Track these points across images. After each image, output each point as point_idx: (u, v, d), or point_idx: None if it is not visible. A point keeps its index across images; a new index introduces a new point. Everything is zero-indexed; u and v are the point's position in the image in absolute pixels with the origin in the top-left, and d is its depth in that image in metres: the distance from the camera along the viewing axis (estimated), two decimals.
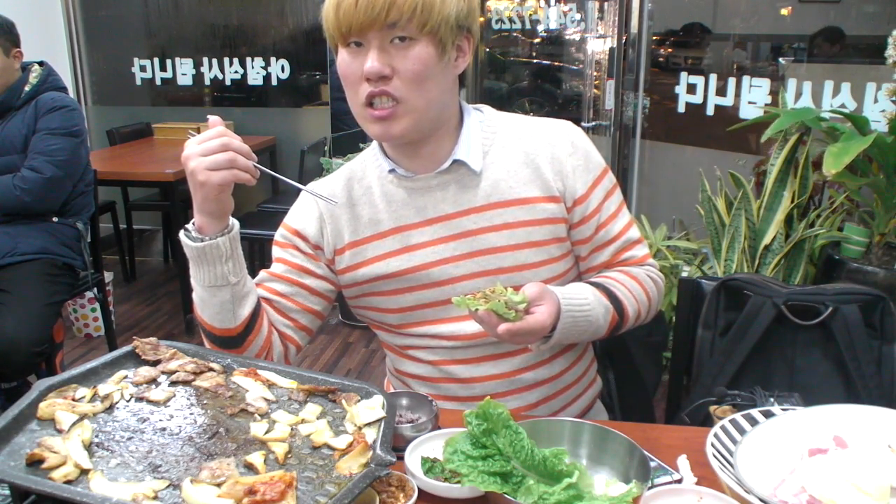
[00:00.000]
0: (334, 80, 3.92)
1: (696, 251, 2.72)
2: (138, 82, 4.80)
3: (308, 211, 1.23)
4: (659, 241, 2.69)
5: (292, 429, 0.90)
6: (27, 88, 2.54)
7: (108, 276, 3.34)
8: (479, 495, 0.88)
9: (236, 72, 4.69)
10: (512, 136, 1.20)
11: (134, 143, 4.43)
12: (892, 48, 2.09)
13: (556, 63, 4.13)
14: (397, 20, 1.02)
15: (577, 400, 1.28)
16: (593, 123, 3.54)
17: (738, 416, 0.97)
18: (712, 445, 0.91)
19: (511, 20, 3.94)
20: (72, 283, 2.61)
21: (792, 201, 2.29)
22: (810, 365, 1.40)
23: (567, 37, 3.90)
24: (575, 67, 3.93)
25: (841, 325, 1.36)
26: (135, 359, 1.03)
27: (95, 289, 2.85)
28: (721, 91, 3.01)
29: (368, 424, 0.92)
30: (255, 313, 1.14)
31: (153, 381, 0.98)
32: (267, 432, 0.89)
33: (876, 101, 2.49)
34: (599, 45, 3.54)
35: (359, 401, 0.98)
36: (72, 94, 3.72)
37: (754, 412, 0.98)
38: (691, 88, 3.12)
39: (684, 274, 2.55)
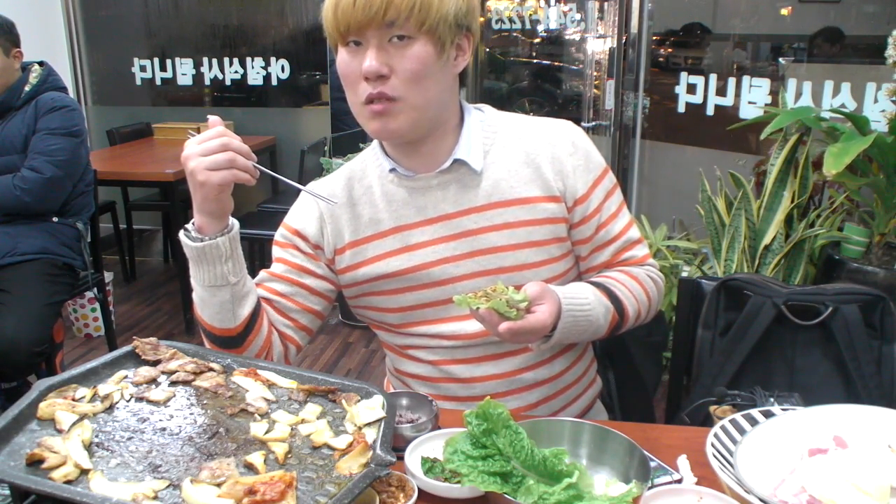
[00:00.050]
0: (334, 80, 3.93)
1: (696, 251, 2.72)
2: (138, 82, 4.80)
3: (308, 211, 1.23)
4: (659, 241, 2.69)
5: (292, 429, 0.90)
6: (27, 88, 2.54)
7: (108, 276, 3.34)
8: (479, 495, 0.88)
9: (236, 72, 4.69)
10: (513, 136, 1.19)
11: (134, 143, 4.43)
12: (892, 48, 2.09)
13: (556, 63, 4.12)
14: (395, 19, 1.02)
15: (577, 400, 1.28)
16: (593, 123, 3.54)
17: (738, 416, 0.97)
18: (712, 445, 0.90)
19: (511, 20, 3.94)
20: (72, 283, 2.61)
21: (792, 201, 2.29)
22: (810, 365, 1.40)
23: (567, 37, 3.90)
24: (575, 67, 3.92)
25: (841, 325, 1.36)
26: (135, 359, 1.03)
27: (95, 289, 2.84)
28: (721, 91, 3.01)
29: (368, 424, 0.92)
30: (255, 313, 1.14)
31: (153, 381, 0.98)
32: (267, 432, 0.89)
33: (876, 101, 2.49)
34: (599, 45, 3.54)
35: (359, 401, 0.97)
36: (72, 94, 3.72)
37: (754, 412, 0.98)
38: (691, 88, 3.12)
39: (684, 274, 2.55)
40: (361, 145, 2.76)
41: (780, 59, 3.10)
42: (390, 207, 1.19)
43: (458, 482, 0.86)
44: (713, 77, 3.05)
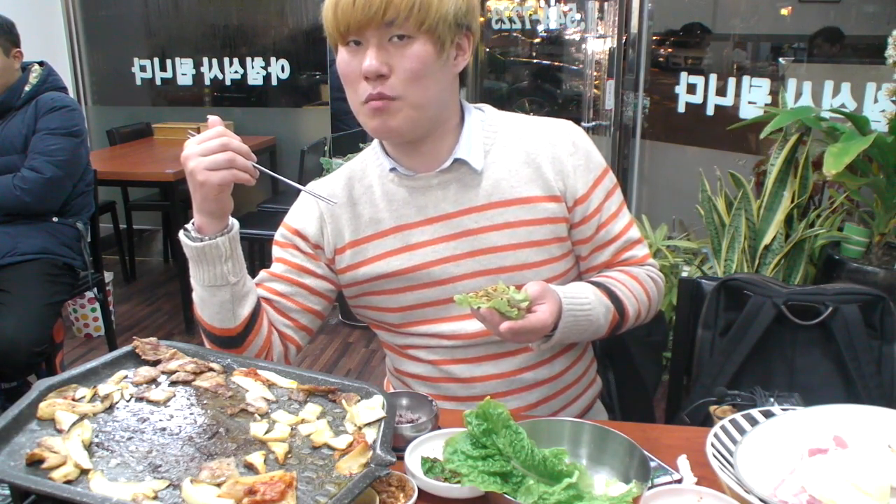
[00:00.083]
0: (334, 80, 3.93)
1: (696, 251, 2.72)
2: (138, 82, 4.80)
3: (308, 210, 1.23)
4: (659, 241, 2.69)
5: (292, 429, 0.90)
6: (27, 88, 2.54)
7: (108, 276, 3.34)
8: (479, 495, 0.88)
9: (236, 72, 4.69)
10: (513, 136, 1.19)
11: (134, 143, 4.43)
12: (892, 48, 2.09)
13: (556, 63, 4.12)
14: (395, 18, 1.02)
15: (577, 400, 1.28)
16: (593, 123, 3.53)
17: (738, 416, 0.97)
18: (712, 445, 0.90)
19: (511, 20, 3.93)
20: (72, 283, 2.61)
21: (792, 201, 2.29)
22: (810, 365, 1.40)
23: (567, 37, 3.90)
24: (575, 67, 3.92)
25: (841, 325, 1.36)
26: (135, 359, 1.03)
27: (95, 289, 2.84)
28: (721, 91, 3.01)
29: (368, 424, 0.92)
30: (255, 313, 1.14)
31: (153, 381, 0.98)
32: (267, 432, 0.89)
33: (876, 101, 2.49)
34: (599, 45, 3.54)
35: (359, 401, 0.97)
36: (72, 94, 3.72)
37: (754, 412, 0.98)
38: (691, 88, 3.12)
39: (684, 274, 2.55)
40: (361, 145, 2.76)
41: (780, 59, 3.10)
42: (391, 207, 1.19)
43: (458, 482, 0.86)
44: (713, 77, 3.04)
